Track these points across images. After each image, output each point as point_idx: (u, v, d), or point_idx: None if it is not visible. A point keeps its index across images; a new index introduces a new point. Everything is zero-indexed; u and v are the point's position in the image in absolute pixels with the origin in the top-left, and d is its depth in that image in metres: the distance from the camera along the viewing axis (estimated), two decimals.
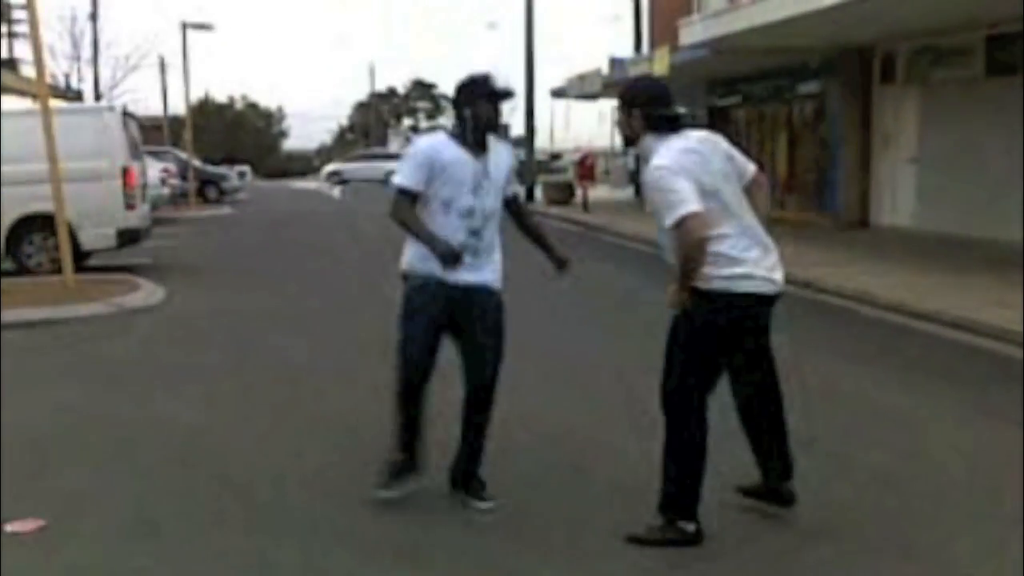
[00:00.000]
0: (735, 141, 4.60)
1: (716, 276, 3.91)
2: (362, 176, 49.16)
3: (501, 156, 4.49)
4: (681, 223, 3.81)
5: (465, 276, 4.34)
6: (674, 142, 4.00)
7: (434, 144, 4.44)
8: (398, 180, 4.40)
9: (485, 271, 4.44)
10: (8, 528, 4.26)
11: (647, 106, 4.09)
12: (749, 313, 4.01)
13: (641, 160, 4.31)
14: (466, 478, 4.56)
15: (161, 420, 6.11)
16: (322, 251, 17.29)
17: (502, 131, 4.56)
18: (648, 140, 4.07)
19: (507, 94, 4.40)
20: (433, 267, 4.30)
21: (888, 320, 9.69)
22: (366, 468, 5.08)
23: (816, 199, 21.23)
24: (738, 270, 3.94)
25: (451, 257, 4.21)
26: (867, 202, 19.47)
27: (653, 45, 26.70)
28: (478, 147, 4.40)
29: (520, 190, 4.70)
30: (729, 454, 4.50)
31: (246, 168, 52.42)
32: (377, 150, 59.90)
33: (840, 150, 19.80)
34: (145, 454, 5.39)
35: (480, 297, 4.42)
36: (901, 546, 4.07)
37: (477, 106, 4.35)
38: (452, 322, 4.42)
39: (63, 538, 4.21)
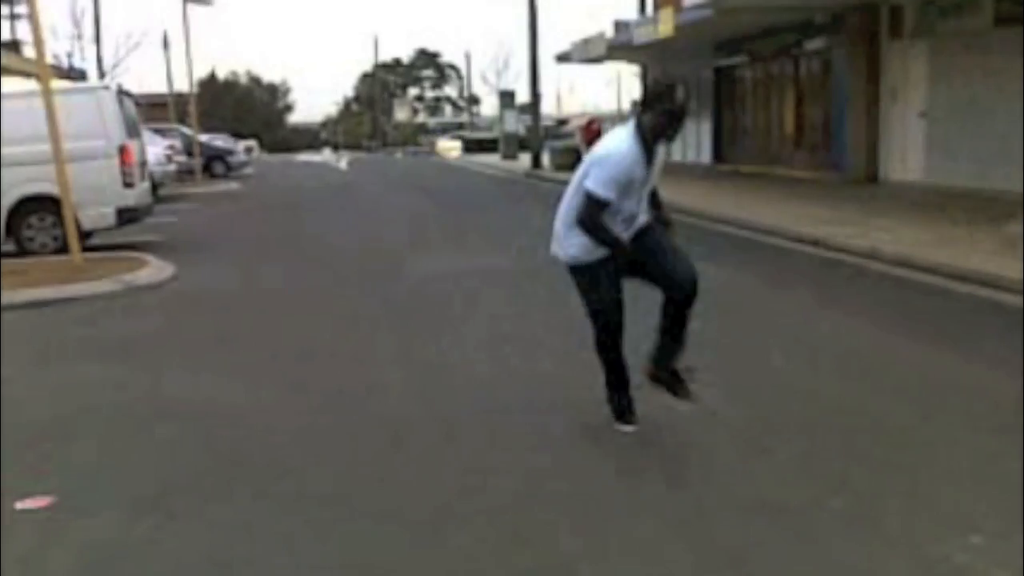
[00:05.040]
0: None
1: None
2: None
3: (660, 160, 4.88)
4: None
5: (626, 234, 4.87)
6: None
7: (633, 160, 4.69)
8: (598, 190, 4.68)
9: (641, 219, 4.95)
10: (19, 505, 4.28)
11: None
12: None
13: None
14: (673, 375, 5.02)
15: (171, 396, 6.11)
16: (331, 224, 17.26)
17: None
18: None
19: (681, 110, 4.70)
20: (600, 253, 4.82)
21: (897, 275, 9.63)
22: (382, 442, 5.09)
23: (824, 156, 21.09)
24: None
25: (622, 253, 4.81)
26: (876, 157, 19.34)
27: (657, 7, 26.45)
28: (650, 155, 4.76)
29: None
30: None
31: (253, 143, 52.39)
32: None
33: (848, 106, 19.63)
34: (156, 430, 5.39)
35: (645, 234, 4.92)
36: (915, 501, 4.05)
37: (665, 116, 4.65)
38: (632, 268, 4.86)
39: (73, 515, 4.22)
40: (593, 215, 4.72)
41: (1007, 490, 4.11)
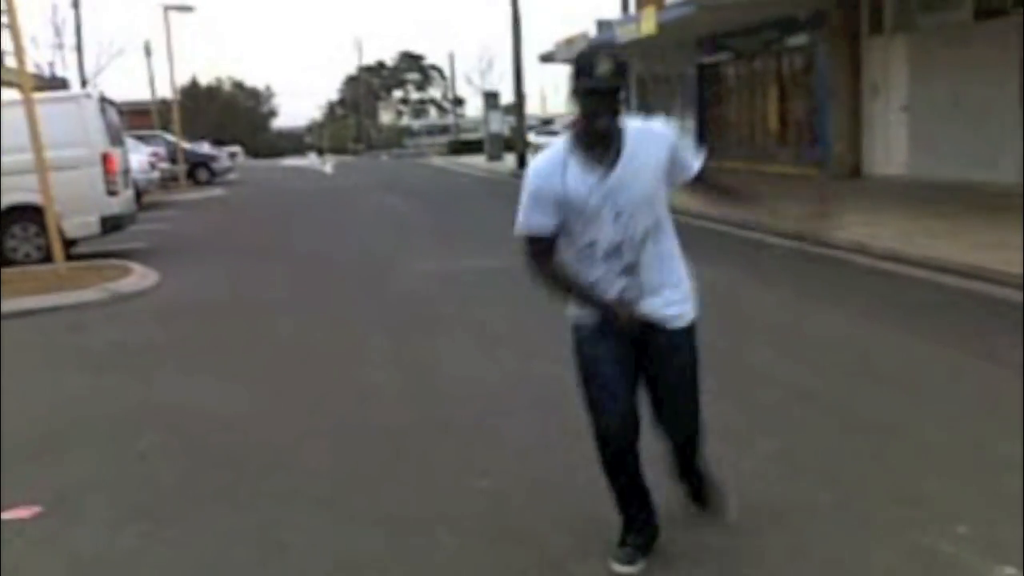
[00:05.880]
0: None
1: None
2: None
3: (641, 149, 3.34)
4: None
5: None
6: None
7: (549, 171, 3.36)
8: (519, 220, 3.41)
9: (658, 301, 3.42)
10: (6, 515, 4.26)
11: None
12: None
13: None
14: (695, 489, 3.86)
15: (158, 404, 6.09)
16: (317, 229, 17.24)
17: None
18: None
19: (606, 84, 3.21)
20: (585, 312, 3.47)
21: (882, 268, 9.67)
22: (374, 446, 5.09)
23: (808, 151, 21.16)
24: None
25: (612, 314, 3.37)
26: (859, 152, 19.41)
27: (640, 5, 26.49)
28: (600, 158, 3.31)
29: (698, 160, 3.54)
30: None
31: (237, 149, 52.26)
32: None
33: (831, 101, 19.70)
34: (145, 438, 5.37)
35: (660, 335, 3.44)
36: (901, 493, 4.06)
37: (584, 98, 3.26)
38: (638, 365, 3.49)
39: (61, 524, 4.21)
40: (528, 255, 3.42)
41: (992, 480, 4.13)
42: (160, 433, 5.42)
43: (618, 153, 3.31)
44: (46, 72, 38.64)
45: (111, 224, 13.42)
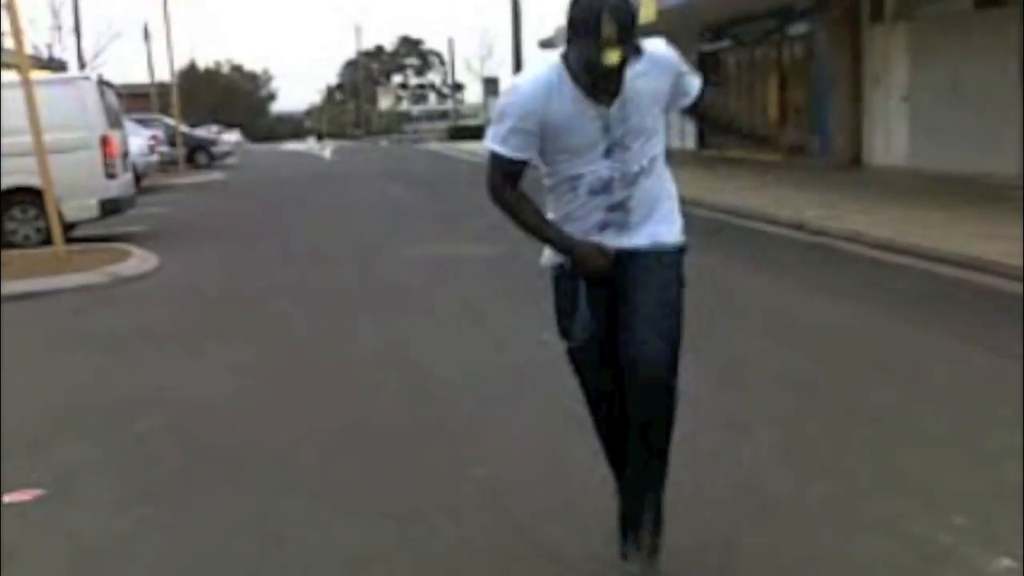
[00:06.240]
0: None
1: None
2: None
3: (643, 79, 3.05)
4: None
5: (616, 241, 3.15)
6: None
7: (544, 93, 3.03)
8: (493, 142, 3.15)
9: (643, 232, 3.16)
10: (7, 499, 4.27)
11: None
12: None
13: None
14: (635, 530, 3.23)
15: (157, 387, 6.10)
16: (315, 215, 17.23)
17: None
18: None
19: (611, 61, 2.89)
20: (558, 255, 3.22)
21: (879, 258, 9.67)
22: (372, 437, 5.10)
23: (808, 141, 21.14)
24: None
25: (577, 258, 3.12)
26: (859, 142, 19.41)
27: None
28: (599, 91, 3.02)
29: (696, 85, 3.24)
30: None
31: (237, 134, 52.19)
32: None
33: (831, 90, 19.68)
34: (143, 423, 5.37)
35: (641, 258, 3.14)
36: (899, 483, 4.08)
37: (579, 46, 2.94)
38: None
39: (61, 507, 4.22)
40: (492, 179, 3.16)
41: (990, 470, 4.15)
42: (159, 417, 5.42)
43: (619, 84, 3.02)
44: (44, 54, 38.53)
45: (110, 207, 13.41)
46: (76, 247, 11.87)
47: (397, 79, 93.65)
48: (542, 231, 3.17)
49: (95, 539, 3.90)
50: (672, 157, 3.48)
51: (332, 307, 8.49)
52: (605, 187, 3.09)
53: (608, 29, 2.86)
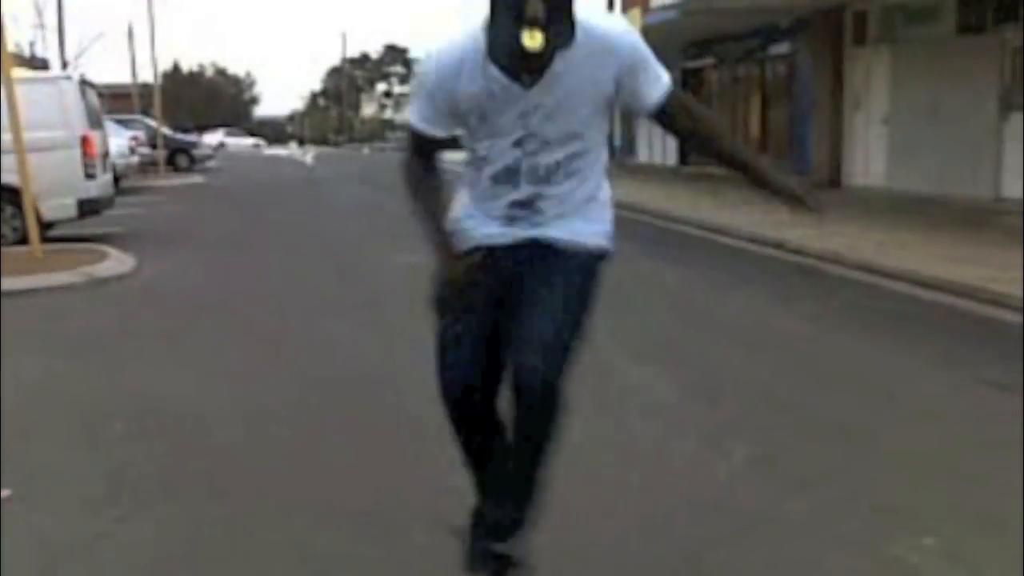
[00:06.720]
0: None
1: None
2: None
3: (578, 65, 2.60)
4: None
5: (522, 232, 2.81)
6: None
7: (458, 59, 2.66)
8: (411, 115, 2.84)
9: (552, 226, 2.79)
10: None
11: None
12: None
13: None
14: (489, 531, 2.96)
15: (131, 389, 6.06)
16: (294, 219, 17.19)
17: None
18: None
19: (547, 13, 2.47)
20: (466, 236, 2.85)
21: (855, 279, 9.74)
22: (345, 440, 5.08)
23: (788, 160, 21.28)
24: None
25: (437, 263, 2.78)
26: (839, 163, 19.55)
27: (625, 8, 26.55)
28: (518, 63, 2.58)
29: (659, 88, 2.74)
30: None
31: (220, 133, 52.03)
32: None
33: (811, 111, 19.83)
34: (114, 426, 5.33)
35: (539, 263, 2.77)
36: (874, 501, 4.11)
37: (498, 22, 2.57)
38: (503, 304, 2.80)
39: (28, 508, 4.18)
40: (406, 153, 2.89)
41: (961, 492, 4.18)
42: (133, 420, 5.39)
43: (543, 69, 2.59)
44: (27, 52, 38.32)
45: (89, 208, 13.33)
46: (53, 247, 11.78)
47: (381, 87, 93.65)
48: (425, 220, 2.84)
49: (63, 540, 3.87)
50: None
51: (310, 309, 8.46)
52: (510, 178, 2.74)
53: (532, 7, 2.46)
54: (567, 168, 2.72)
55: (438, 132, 2.78)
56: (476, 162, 2.80)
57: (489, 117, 2.66)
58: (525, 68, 2.58)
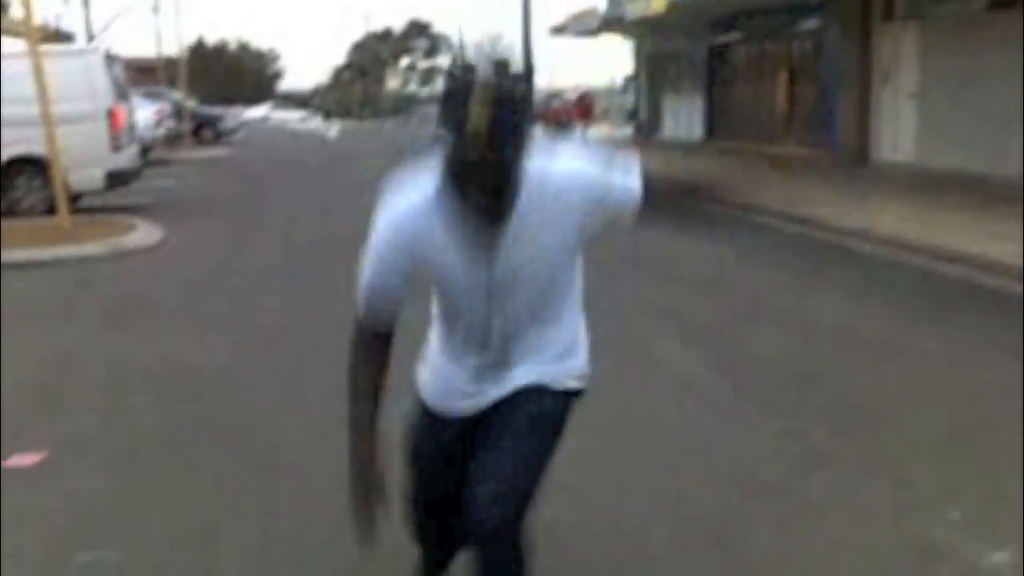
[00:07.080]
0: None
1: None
2: None
3: (542, 206, 2.38)
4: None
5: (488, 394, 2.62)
6: None
7: (406, 225, 2.44)
8: (362, 273, 2.55)
9: (523, 375, 2.58)
10: (8, 463, 4.30)
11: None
12: None
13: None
14: None
15: (159, 359, 6.12)
16: (318, 190, 17.22)
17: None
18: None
19: (481, 151, 2.21)
20: (432, 391, 2.72)
21: (884, 256, 9.68)
22: None
23: (816, 136, 21.11)
24: None
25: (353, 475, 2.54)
26: (867, 139, 19.36)
27: None
28: (481, 220, 2.36)
29: (631, 189, 2.47)
30: None
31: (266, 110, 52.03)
32: None
33: (840, 87, 19.64)
34: (144, 394, 5.40)
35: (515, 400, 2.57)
36: (897, 476, 4.10)
37: (453, 147, 2.27)
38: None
39: (62, 471, 4.25)
40: (357, 321, 2.56)
41: (985, 466, 4.17)
42: (154, 386, 5.46)
43: (507, 212, 2.34)
44: (52, 25, 38.43)
45: (116, 179, 13.43)
46: (81, 218, 11.88)
47: (405, 61, 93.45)
48: (353, 413, 2.53)
49: (93, 502, 3.93)
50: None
51: (327, 285, 8.49)
52: (481, 340, 2.54)
53: (477, 113, 2.18)
54: (541, 317, 2.53)
55: (387, 313, 2.52)
56: (445, 316, 2.61)
57: (450, 271, 2.44)
58: (477, 195, 2.27)
